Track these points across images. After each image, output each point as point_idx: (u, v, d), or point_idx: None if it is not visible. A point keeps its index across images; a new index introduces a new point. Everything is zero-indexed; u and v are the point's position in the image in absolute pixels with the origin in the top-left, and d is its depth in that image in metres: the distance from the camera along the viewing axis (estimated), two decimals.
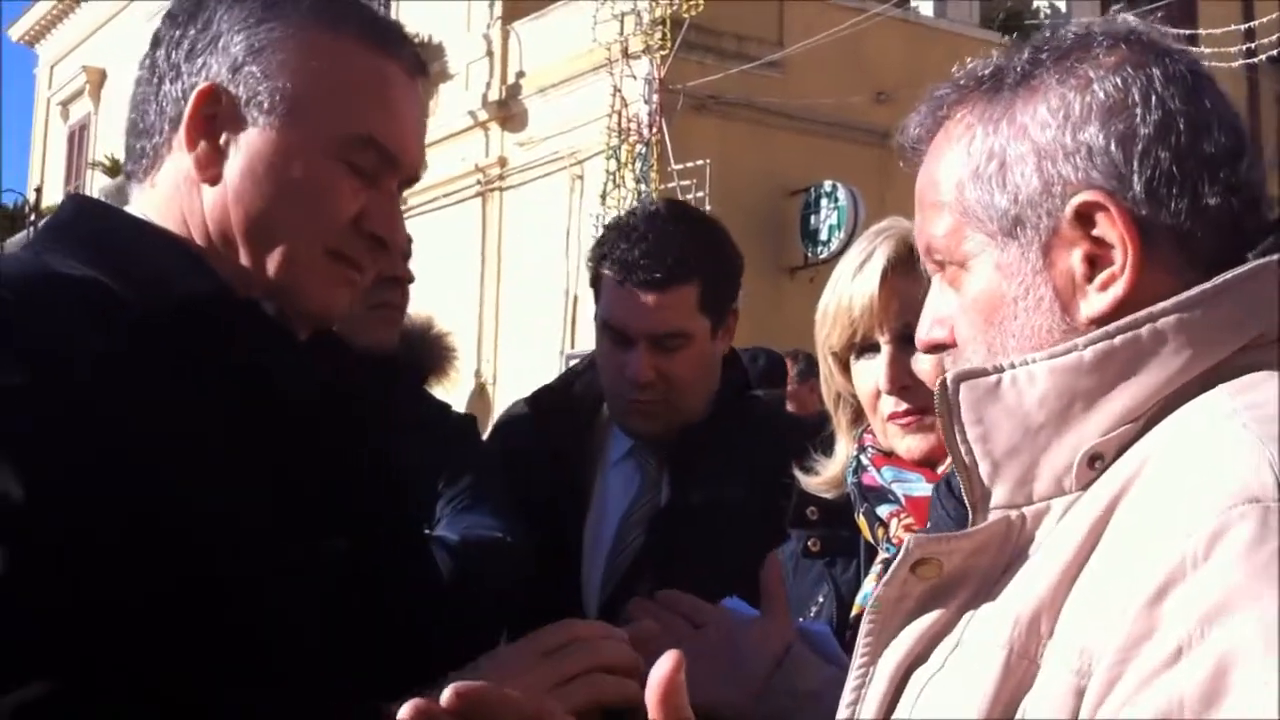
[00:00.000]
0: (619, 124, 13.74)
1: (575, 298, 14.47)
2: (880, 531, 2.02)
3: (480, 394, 14.97)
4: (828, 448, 2.20)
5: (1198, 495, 1.03)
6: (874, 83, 14.43)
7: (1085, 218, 1.19)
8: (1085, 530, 1.12)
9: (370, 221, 1.48)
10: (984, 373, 1.20)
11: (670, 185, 13.21)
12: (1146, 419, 1.16)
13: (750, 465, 2.35)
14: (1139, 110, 1.20)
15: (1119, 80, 1.22)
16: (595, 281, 2.62)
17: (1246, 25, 15.56)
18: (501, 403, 14.09)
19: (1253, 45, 15.11)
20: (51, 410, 1.20)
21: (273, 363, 1.40)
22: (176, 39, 1.49)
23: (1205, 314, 1.15)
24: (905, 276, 2.02)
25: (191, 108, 1.44)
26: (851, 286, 2.05)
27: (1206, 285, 1.16)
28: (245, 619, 1.25)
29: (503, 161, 15.79)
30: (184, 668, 1.20)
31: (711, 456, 2.53)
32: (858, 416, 2.17)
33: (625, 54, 13.79)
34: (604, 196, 13.68)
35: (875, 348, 2.06)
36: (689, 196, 12.93)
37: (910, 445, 2.02)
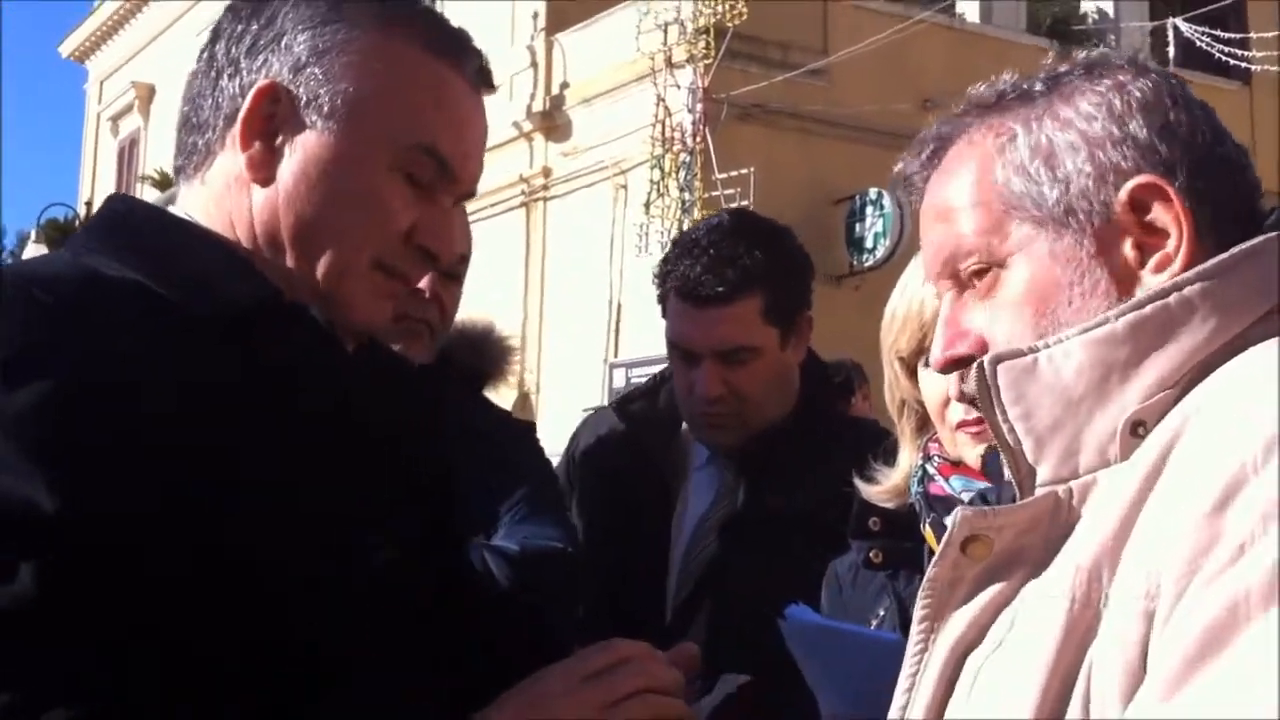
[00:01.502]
0: (663, 133, 13.74)
1: (619, 306, 14.48)
2: None
3: (523, 402, 15.00)
4: (890, 457, 2.15)
5: (1248, 416, 1.06)
6: (919, 89, 14.34)
7: (1139, 203, 1.24)
8: (1138, 483, 1.14)
9: (422, 234, 1.44)
10: (1019, 353, 1.22)
11: (714, 194, 13.18)
12: (1182, 386, 1.19)
13: (826, 475, 2.32)
14: (1170, 109, 1.27)
15: (1149, 83, 1.29)
16: (662, 300, 2.61)
17: None
18: (545, 411, 14.13)
19: None
20: (90, 418, 1.17)
21: (320, 369, 1.37)
22: (238, 34, 1.44)
23: (1226, 283, 1.20)
24: None
25: (249, 105, 1.40)
26: (923, 291, 1.99)
27: (1224, 255, 1.20)
28: (292, 629, 1.22)
29: (546, 172, 15.82)
30: (228, 681, 1.18)
31: (788, 466, 2.51)
32: (922, 425, 2.12)
33: (669, 63, 13.79)
34: (648, 206, 13.68)
35: None
36: (733, 205, 12.91)
37: (981, 453, 1.96)
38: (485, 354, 2.72)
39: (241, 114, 1.40)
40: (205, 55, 1.47)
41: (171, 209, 1.47)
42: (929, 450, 2.07)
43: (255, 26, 1.43)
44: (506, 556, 2.20)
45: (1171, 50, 14.93)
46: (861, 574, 2.14)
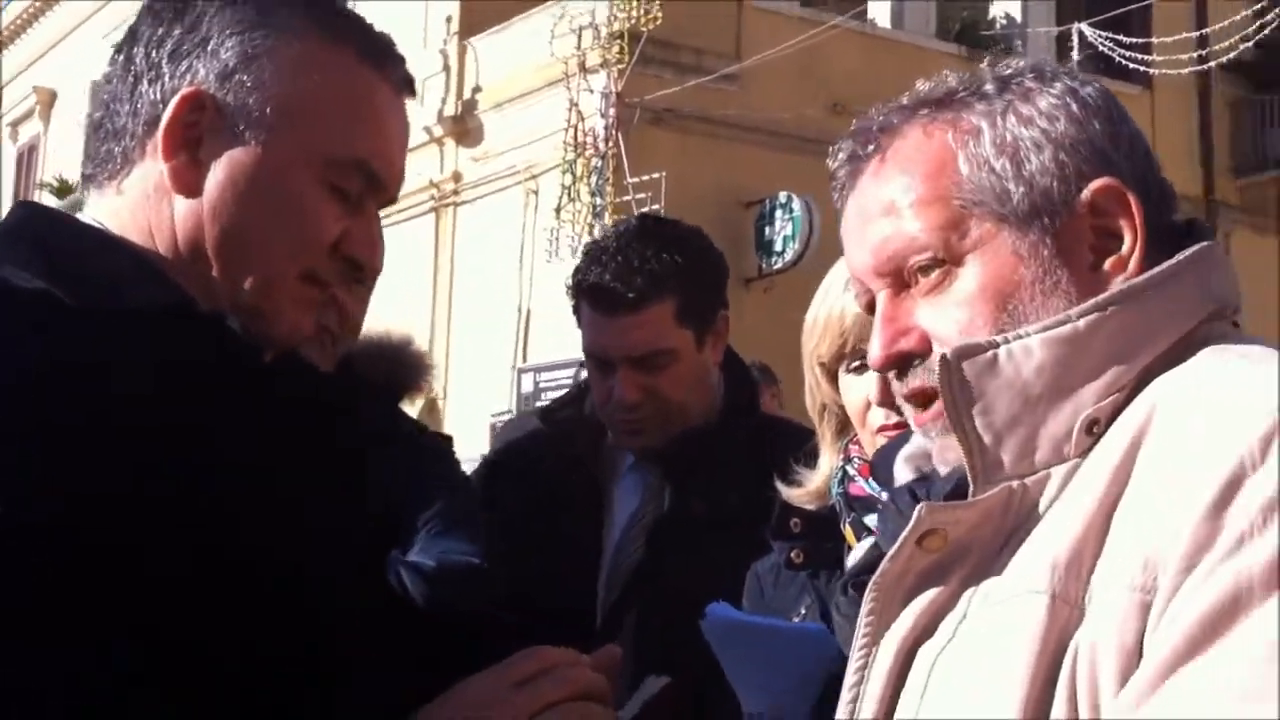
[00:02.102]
0: (575, 138, 13.73)
1: (528, 313, 14.45)
2: None
3: (431, 408, 14.92)
4: (811, 460, 2.17)
5: (1237, 412, 1.09)
6: (830, 94, 14.48)
7: (1097, 206, 1.27)
8: (1107, 478, 1.16)
9: (350, 245, 1.40)
10: (981, 349, 1.23)
11: (626, 198, 13.18)
12: (1130, 387, 1.22)
13: (750, 476, 2.33)
14: (1116, 117, 1.32)
15: (1096, 90, 1.33)
16: (576, 309, 2.61)
17: (1199, 33, 15.73)
18: (452, 417, 14.04)
19: (1204, 52, 15.27)
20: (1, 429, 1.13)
21: (237, 378, 1.33)
22: (158, 37, 1.38)
23: (1175, 287, 1.24)
24: None
25: (172, 113, 1.34)
26: (843, 298, 2.00)
27: (1171, 262, 1.25)
28: (211, 639, 1.17)
29: (457, 176, 15.75)
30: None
31: (712, 467, 2.52)
32: (842, 428, 2.14)
33: (583, 68, 13.79)
34: (559, 211, 13.68)
35: (865, 360, 2.02)
36: (645, 209, 12.92)
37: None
38: (402, 367, 2.70)
39: (164, 122, 1.34)
40: (121, 58, 1.41)
41: (79, 216, 1.41)
42: (849, 452, 2.08)
43: (178, 30, 1.38)
44: (422, 572, 2.20)
45: (1076, 55, 15.17)
46: (783, 574, 2.16)
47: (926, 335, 1.31)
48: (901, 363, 1.33)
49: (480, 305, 14.80)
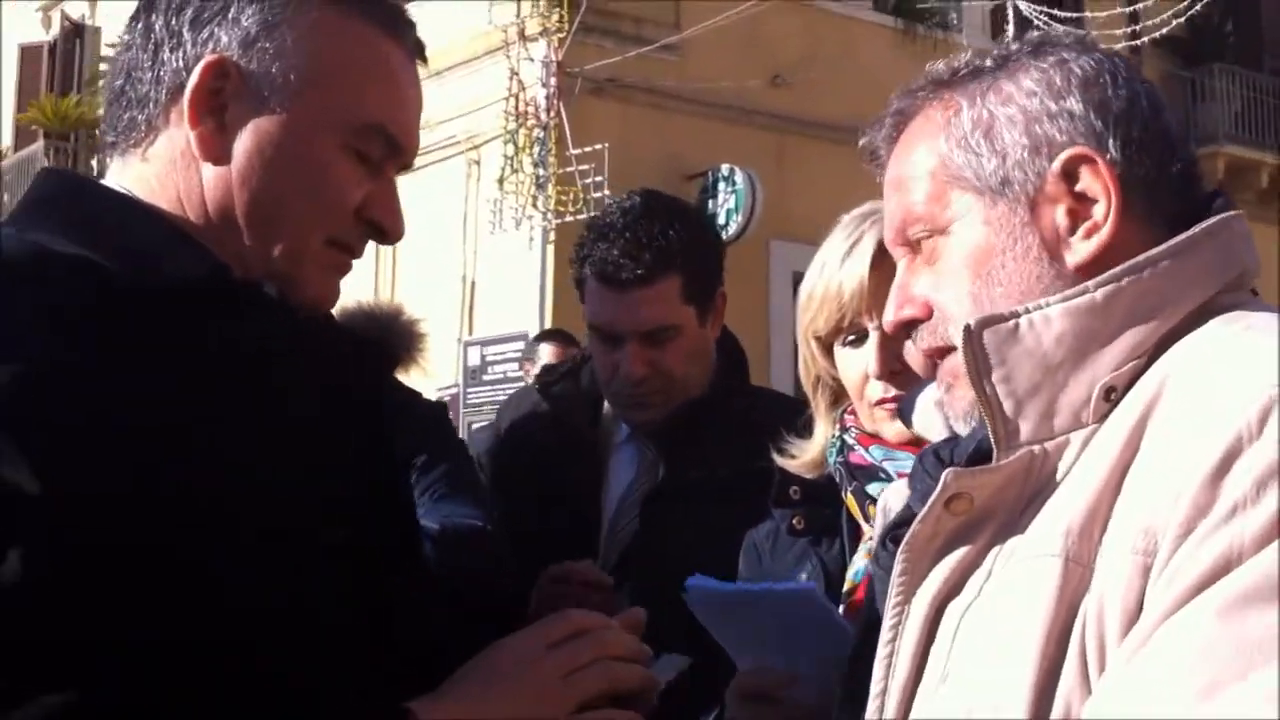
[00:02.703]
0: (516, 108, 13.62)
1: (472, 284, 14.35)
2: (872, 509, 2.01)
3: None
4: (806, 431, 2.20)
5: (1237, 385, 1.14)
6: (771, 66, 14.50)
7: (1070, 173, 1.33)
8: (1120, 445, 1.22)
9: (372, 210, 1.43)
10: (1003, 318, 1.29)
11: (569, 169, 13.13)
12: (1149, 354, 1.28)
13: (743, 445, 2.37)
14: (1109, 86, 1.36)
15: (1091, 61, 1.38)
16: (579, 284, 2.65)
17: (1130, 9, 15.90)
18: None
19: (1137, 28, 15.44)
20: (46, 395, 1.15)
21: (276, 346, 1.35)
22: (178, 4, 1.39)
23: (1193, 258, 1.30)
24: (893, 259, 2.01)
25: (198, 80, 1.36)
26: (840, 272, 2.04)
27: (1192, 231, 1.31)
28: (244, 609, 1.21)
29: None
30: (183, 665, 1.16)
31: (705, 439, 2.56)
32: (836, 399, 2.17)
33: (522, 36, 13.68)
34: (501, 181, 13.57)
35: (862, 334, 2.06)
36: (588, 181, 12.89)
37: (899, 429, 2.03)
38: (394, 336, 2.70)
39: (189, 89, 1.36)
40: (140, 26, 1.42)
41: (106, 183, 1.42)
42: (845, 422, 2.12)
43: None
44: (428, 536, 2.20)
45: (1011, 29, 15.30)
46: (780, 541, 2.20)
47: (927, 302, 1.41)
48: (907, 328, 1.43)
49: (423, 277, 14.67)
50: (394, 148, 1.44)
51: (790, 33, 14.72)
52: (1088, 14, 15.37)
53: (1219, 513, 1.09)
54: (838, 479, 2.09)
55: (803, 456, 2.17)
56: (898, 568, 1.33)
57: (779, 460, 2.19)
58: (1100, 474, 1.22)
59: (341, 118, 1.39)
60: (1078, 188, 1.33)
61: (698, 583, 1.90)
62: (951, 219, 1.38)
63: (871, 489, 2.02)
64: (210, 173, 1.37)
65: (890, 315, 1.45)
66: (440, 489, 2.39)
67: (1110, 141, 1.33)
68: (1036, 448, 1.29)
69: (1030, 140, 1.35)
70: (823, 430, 2.17)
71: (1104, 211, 1.32)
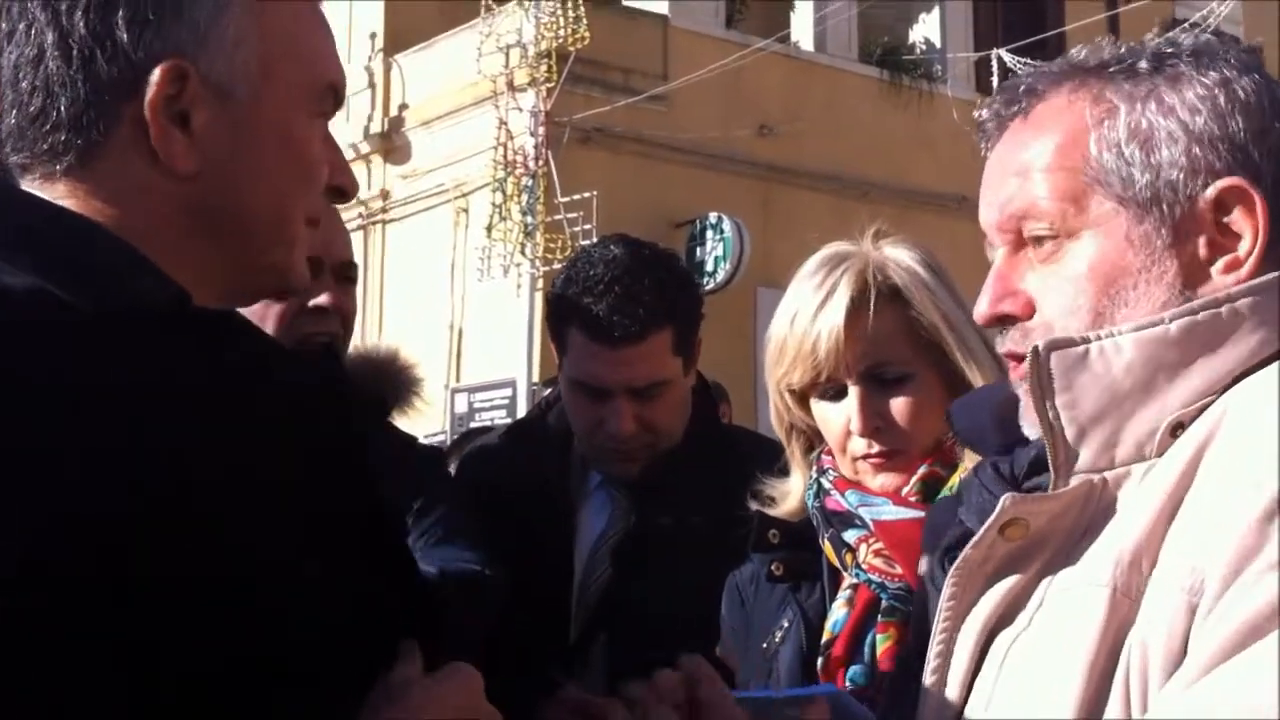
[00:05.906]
0: (505, 156, 13.69)
1: (460, 331, 14.36)
2: (849, 557, 1.99)
3: None
4: (785, 473, 2.17)
5: None
6: (757, 116, 14.62)
7: (1221, 203, 1.26)
8: (1175, 479, 1.19)
9: (335, 174, 1.34)
10: (1073, 342, 1.25)
11: (557, 217, 13.19)
12: (1220, 392, 1.22)
13: (715, 491, 2.35)
14: (1268, 114, 1.29)
15: (1253, 84, 1.30)
16: (559, 337, 2.56)
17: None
18: None
19: None
20: (15, 444, 1.06)
21: (256, 376, 1.25)
22: (98, 4, 1.20)
23: (1275, 298, 1.24)
24: (868, 312, 1.97)
25: (155, 91, 1.20)
26: (814, 325, 1.98)
27: (1275, 274, 1.24)
28: (247, 649, 1.13)
29: (385, 194, 15.63)
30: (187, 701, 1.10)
31: (679, 486, 2.52)
32: (810, 445, 2.13)
33: (511, 86, 13.77)
34: (489, 229, 13.62)
35: (841, 388, 2.00)
36: (576, 229, 12.93)
37: (884, 482, 2.00)
38: (390, 380, 2.69)
39: (147, 102, 1.20)
40: (53, 37, 1.21)
41: (30, 191, 1.27)
42: (823, 463, 2.08)
43: None
44: (426, 580, 2.18)
45: (995, 79, 15.43)
46: (763, 586, 2.16)
47: (1031, 301, 1.34)
48: (1002, 322, 1.37)
49: (412, 324, 14.67)
50: (339, 100, 1.34)
51: (777, 84, 14.85)
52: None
53: (1269, 555, 1.06)
54: (815, 524, 2.06)
55: (783, 504, 2.13)
56: (947, 591, 1.30)
57: (756, 506, 2.15)
58: (1154, 507, 1.19)
59: (306, 88, 1.29)
60: (1225, 219, 1.26)
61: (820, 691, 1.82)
62: (1085, 225, 1.30)
63: (849, 536, 1.99)
64: (184, 184, 1.23)
65: (985, 307, 1.37)
66: (438, 532, 2.37)
67: (1265, 175, 1.26)
68: (1096, 477, 1.26)
69: (1189, 161, 1.27)
70: (799, 478, 2.13)
71: (1249, 249, 1.25)
